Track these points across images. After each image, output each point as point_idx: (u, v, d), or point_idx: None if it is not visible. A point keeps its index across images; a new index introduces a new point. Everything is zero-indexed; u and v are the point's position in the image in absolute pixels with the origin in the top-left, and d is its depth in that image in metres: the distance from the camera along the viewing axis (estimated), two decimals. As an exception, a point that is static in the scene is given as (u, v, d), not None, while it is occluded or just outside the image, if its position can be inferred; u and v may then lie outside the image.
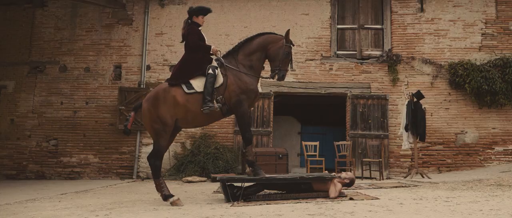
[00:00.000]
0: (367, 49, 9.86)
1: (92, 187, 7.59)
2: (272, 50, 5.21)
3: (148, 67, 10.05)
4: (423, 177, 7.86)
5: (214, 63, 5.14)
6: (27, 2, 10.51)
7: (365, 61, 9.76)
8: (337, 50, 9.88)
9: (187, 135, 9.69)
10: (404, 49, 9.69)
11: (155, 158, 5.02)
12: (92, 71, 10.17)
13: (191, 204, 4.88)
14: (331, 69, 9.78)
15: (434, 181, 6.97)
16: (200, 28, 5.28)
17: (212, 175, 7.47)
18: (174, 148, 9.67)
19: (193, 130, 9.62)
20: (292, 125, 12.27)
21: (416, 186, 6.34)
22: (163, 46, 10.13)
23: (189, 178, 8.41)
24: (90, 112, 10.00)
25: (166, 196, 4.86)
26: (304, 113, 13.19)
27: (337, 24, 9.97)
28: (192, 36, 5.14)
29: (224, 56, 5.29)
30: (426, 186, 6.25)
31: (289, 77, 9.73)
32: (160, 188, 4.93)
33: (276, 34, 5.45)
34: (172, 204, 4.77)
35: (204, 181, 8.45)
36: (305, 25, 9.94)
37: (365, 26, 9.96)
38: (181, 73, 5.12)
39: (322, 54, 9.84)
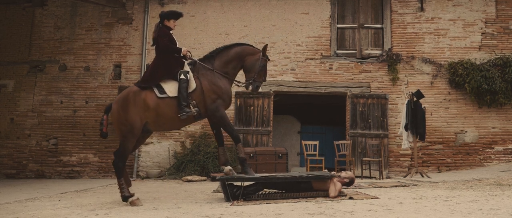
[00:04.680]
0: (367, 49, 9.86)
1: (92, 186, 7.59)
2: (248, 62, 5.30)
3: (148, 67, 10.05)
4: (422, 176, 7.87)
5: (186, 68, 5.17)
6: (27, 1, 10.50)
7: (365, 60, 9.76)
8: (337, 49, 9.88)
9: (187, 134, 9.70)
10: (404, 49, 9.69)
11: (119, 159, 5.04)
12: (92, 71, 10.18)
13: (191, 203, 4.89)
14: (331, 68, 9.78)
15: (434, 180, 6.97)
16: (171, 32, 5.33)
17: (212, 174, 7.47)
18: (174, 147, 9.68)
19: (192, 129, 9.63)
20: (292, 124, 12.28)
21: (415, 185, 6.34)
22: (163, 46, 10.11)
23: (189, 177, 8.42)
24: (90, 111, 10.00)
25: (125, 197, 4.89)
26: (303, 112, 13.20)
27: (337, 23, 9.97)
28: (163, 38, 5.18)
29: (200, 60, 5.34)
30: (425, 185, 6.25)
31: (289, 77, 9.76)
32: (120, 188, 4.98)
33: (254, 46, 5.51)
34: (131, 204, 4.81)
35: (204, 180, 8.45)
36: (305, 24, 9.94)
37: (365, 25, 9.95)
38: (152, 77, 5.15)
39: (322, 54, 9.84)
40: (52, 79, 10.23)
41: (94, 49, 10.27)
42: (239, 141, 5.16)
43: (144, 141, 5.81)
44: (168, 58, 5.17)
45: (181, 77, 5.02)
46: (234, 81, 5.41)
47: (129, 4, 10.35)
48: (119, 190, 5.05)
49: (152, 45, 5.40)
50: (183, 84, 4.99)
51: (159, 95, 5.05)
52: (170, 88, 5.07)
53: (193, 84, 5.08)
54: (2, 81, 10.39)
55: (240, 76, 5.53)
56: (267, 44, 5.50)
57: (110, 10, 10.33)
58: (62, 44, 10.38)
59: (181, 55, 5.20)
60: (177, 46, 5.29)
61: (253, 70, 5.25)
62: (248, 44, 5.53)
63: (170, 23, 5.34)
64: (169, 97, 5.05)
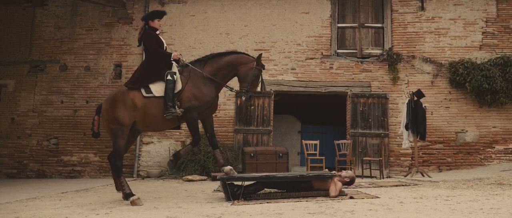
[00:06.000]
0: (368, 48, 9.85)
1: (93, 185, 7.59)
2: (241, 71, 5.21)
3: (148, 66, 10.04)
4: (423, 176, 7.86)
5: (174, 69, 5.18)
6: (27, 1, 10.50)
7: (366, 60, 9.76)
8: (338, 49, 9.87)
9: (187, 134, 9.69)
10: (404, 48, 9.68)
11: (115, 158, 5.11)
12: (92, 70, 10.18)
13: (191, 202, 4.89)
14: (331, 68, 9.78)
15: (435, 180, 6.97)
16: (158, 32, 5.34)
17: (212, 174, 7.48)
18: (175, 146, 9.68)
19: (193, 128, 9.62)
20: (292, 124, 12.28)
21: (416, 184, 6.34)
22: (163, 45, 10.12)
23: (190, 177, 8.42)
24: (90, 111, 9.98)
25: (127, 195, 4.91)
26: (304, 111, 13.20)
27: (338, 23, 9.96)
28: (150, 41, 5.20)
29: (191, 63, 5.32)
30: (426, 185, 6.25)
31: (289, 76, 9.76)
32: (121, 187, 5.00)
33: (249, 55, 5.44)
34: (132, 203, 4.81)
35: (205, 180, 8.45)
36: (305, 24, 9.94)
37: (365, 24, 9.95)
38: (141, 79, 5.18)
39: (322, 53, 9.83)
40: (53, 79, 10.23)
41: (94, 49, 10.27)
42: (195, 145, 5.21)
43: (134, 140, 5.89)
44: (157, 60, 5.19)
45: (167, 78, 5.04)
46: (226, 87, 5.38)
47: (130, 4, 10.34)
48: (117, 190, 5.07)
49: (138, 46, 5.43)
50: (170, 85, 5.01)
51: (145, 94, 5.09)
52: (157, 88, 5.10)
53: (179, 85, 5.09)
54: (3, 81, 10.39)
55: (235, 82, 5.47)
56: (261, 54, 5.39)
57: (110, 10, 10.33)
58: (62, 44, 10.38)
59: (172, 59, 5.22)
60: (166, 47, 5.34)
61: (246, 80, 5.16)
62: (243, 53, 5.48)
63: (155, 23, 5.33)
64: (155, 97, 5.08)
